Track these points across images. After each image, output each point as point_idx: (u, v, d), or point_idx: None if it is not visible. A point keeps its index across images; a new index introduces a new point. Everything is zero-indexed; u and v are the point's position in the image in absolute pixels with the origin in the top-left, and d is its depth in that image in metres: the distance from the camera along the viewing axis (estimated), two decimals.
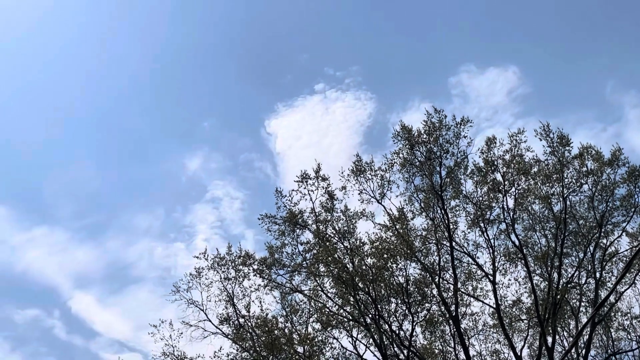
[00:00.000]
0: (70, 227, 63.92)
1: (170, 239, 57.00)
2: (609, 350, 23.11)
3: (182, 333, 20.46)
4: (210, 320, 20.65)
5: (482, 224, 20.94)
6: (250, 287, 20.90)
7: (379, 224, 21.09)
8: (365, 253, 20.74)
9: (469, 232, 21.30)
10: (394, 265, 20.43)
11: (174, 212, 62.25)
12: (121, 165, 68.68)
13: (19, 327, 54.28)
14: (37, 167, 66.71)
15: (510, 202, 20.79)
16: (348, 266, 20.34)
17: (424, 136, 20.49)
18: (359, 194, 21.08)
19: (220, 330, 20.61)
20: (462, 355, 20.87)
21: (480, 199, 20.89)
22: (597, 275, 20.99)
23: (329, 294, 20.92)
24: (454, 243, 20.63)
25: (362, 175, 21.04)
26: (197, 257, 20.91)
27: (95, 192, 66.22)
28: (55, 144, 67.72)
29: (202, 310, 20.65)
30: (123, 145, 69.32)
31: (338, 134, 56.95)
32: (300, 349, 20.31)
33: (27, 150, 66.34)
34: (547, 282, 20.60)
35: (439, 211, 20.76)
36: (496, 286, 20.58)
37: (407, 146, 20.70)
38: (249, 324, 20.55)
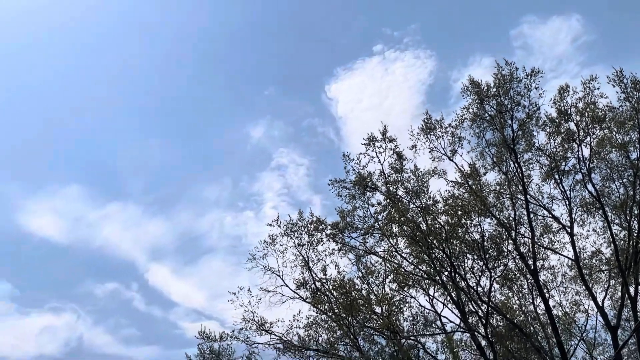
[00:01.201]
0: (142, 201, 68.20)
1: (239, 208, 60.53)
2: None
3: (260, 299, 21.99)
4: (287, 285, 22.06)
5: (556, 176, 21.62)
6: (324, 251, 22.16)
7: (451, 181, 22.02)
8: (438, 211, 21.69)
9: (543, 185, 22.10)
10: (468, 222, 21.32)
11: (241, 181, 65.58)
12: (187, 138, 72.69)
13: (100, 300, 58.91)
14: (107, 145, 71.45)
15: (586, 152, 21.37)
16: (421, 225, 21.36)
17: (494, 89, 21.10)
18: (430, 152, 21.99)
19: (298, 295, 22.03)
20: (541, 308, 21.91)
21: (554, 150, 21.49)
22: None
23: (403, 254, 22.09)
24: (528, 196, 21.39)
25: (432, 133, 21.88)
26: (270, 225, 22.24)
27: (163, 166, 70.63)
28: (123, 122, 71.92)
29: (279, 276, 22.05)
30: (187, 119, 73.03)
31: (399, 94, 57.86)
32: (378, 309, 21.63)
33: (96, 129, 70.48)
34: (626, 232, 21.25)
35: (512, 165, 21.50)
36: (574, 238, 21.40)
37: (476, 101, 21.37)
38: (326, 287, 21.86)
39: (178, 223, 65.75)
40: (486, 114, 21.49)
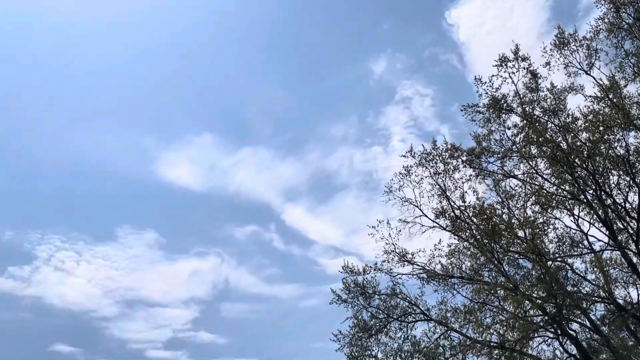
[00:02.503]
0: (272, 145, 74.14)
1: (367, 144, 64.10)
2: None
3: (400, 231, 23.21)
4: (426, 215, 23.22)
5: None
6: (461, 178, 23.12)
7: (589, 96, 22.44)
8: (578, 128, 22.21)
9: None
10: (611, 137, 21.75)
11: (366, 117, 69.03)
12: (310, 79, 78.20)
13: (241, 243, 65.27)
14: (234, 92, 77.64)
15: None
16: (561, 144, 21.97)
17: None
18: (565, 67, 22.52)
19: (437, 224, 23.14)
20: None
21: None
22: None
23: (544, 175, 22.74)
24: None
25: (566, 48, 22.37)
26: (404, 156, 23.36)
27: (290, 109, 76.60)
28: (247, 69, 77.23)
29: (417, 206, 23.21)
30: (309, 60, 78.62)
31: (523, 13, 57.37)
32: (521, 233, 22.43)
33: (223, 77, 75.84)
34: None
35: None
36: None
37: (612, 9, 21.67)
38: (466, 214, 22.82)
39: (308, 163, 70.33)
40: (623, 23, 21.77)
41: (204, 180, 72.05)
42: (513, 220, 22.81)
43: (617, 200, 22.04)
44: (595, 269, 22.83)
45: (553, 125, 22.48)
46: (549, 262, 22.59)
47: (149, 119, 78.07)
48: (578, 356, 21.00)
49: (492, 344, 21.84)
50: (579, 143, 21.99)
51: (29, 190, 69.38)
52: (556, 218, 23.02)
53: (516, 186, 23.22)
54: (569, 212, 22.89)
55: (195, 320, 59.88)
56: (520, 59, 22.50)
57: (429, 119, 59.85)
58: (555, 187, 22.79)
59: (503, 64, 22.56)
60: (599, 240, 22.60)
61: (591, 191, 22.00)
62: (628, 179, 21.88)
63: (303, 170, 72.10)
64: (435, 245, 23.08)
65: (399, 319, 22.69)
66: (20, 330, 55.16)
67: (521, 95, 22.64)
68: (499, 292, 22.56)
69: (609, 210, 22.04)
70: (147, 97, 78.71)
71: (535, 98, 22.66)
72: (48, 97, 74.92)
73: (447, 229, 23.10)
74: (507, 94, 22.68)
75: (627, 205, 22.12)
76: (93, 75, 77.72)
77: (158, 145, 74.99)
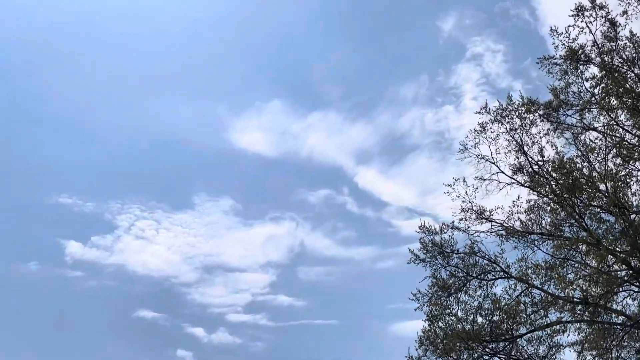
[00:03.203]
0: (342, 108, 76.62)
1: (438, 104, 65.10)
2: None
3: (477, 188, 23.42)
4: (503, 172, 23.35)
5: None
6: (538, 133, 23.10)
7: None
8: None
9: None
10: None
11: (437, 76, 69.98)
12: (377, 40, 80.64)
13: (315, 207, 68.85)
14: (302, 56, 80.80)
15: None
16: None
17: None
18: None
19: (515, 180, 23.27)
20: None
21: None
22: None
23: (625, 127, 22.56)
24: None
25: None
26: (479, 112, 23.52)
27: (358, 71, 79.16)
28: (314, 32, 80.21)
29: (493, 163, 23.36)
30: (376, 21, 79.87)
31: None
32: (602, 187, 22.37)
33: (291, 42, 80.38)
34: None
35: None
36: None
37: None
38: (544, 169, 22.85)
39: (379, 125, 72.03)
40: None
41: (276, 146, 75.61)
42: (594, 174, 22.74)
43: None
44: None
45: (633, 74, 22.26)
46: (633, 215, 22.52)
47: (219, 88, 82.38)
48: None
49: (575, 299, 21.96)
50: None
51: (107, 161, 74.65)
52: (639, 170, 22.85)
53: (596, 139, 23.11)
54: None
55: (273, 283, 63.72)
56: (597, 7, 22.29)
57: (501, 76, 60.04)
58: (637, 139, 22.61)
59: (580, 14, 22.37)
60: None
61: None
62: None
63: (374, 133, 73.98)
64: (513, 201, 23.27)
65: (479, 277, 22.98)
66: (106, 297, 59.98)
67: (599, 45, 22.44)
68: (581, 247, 22.62)
69: None
70: (216, 66, 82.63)
71: (614, 47, 22.43)
72: (123, 69, 79.19)
73: (525, 184, 23.20)
74: (585, 44, 22.51)
75: None
76: (164, 46, 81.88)
77: (229, 113, 78.90)
